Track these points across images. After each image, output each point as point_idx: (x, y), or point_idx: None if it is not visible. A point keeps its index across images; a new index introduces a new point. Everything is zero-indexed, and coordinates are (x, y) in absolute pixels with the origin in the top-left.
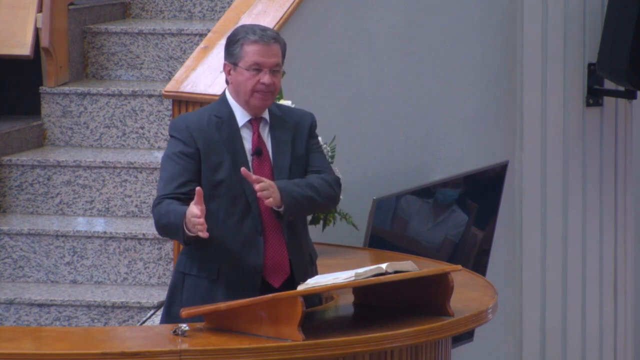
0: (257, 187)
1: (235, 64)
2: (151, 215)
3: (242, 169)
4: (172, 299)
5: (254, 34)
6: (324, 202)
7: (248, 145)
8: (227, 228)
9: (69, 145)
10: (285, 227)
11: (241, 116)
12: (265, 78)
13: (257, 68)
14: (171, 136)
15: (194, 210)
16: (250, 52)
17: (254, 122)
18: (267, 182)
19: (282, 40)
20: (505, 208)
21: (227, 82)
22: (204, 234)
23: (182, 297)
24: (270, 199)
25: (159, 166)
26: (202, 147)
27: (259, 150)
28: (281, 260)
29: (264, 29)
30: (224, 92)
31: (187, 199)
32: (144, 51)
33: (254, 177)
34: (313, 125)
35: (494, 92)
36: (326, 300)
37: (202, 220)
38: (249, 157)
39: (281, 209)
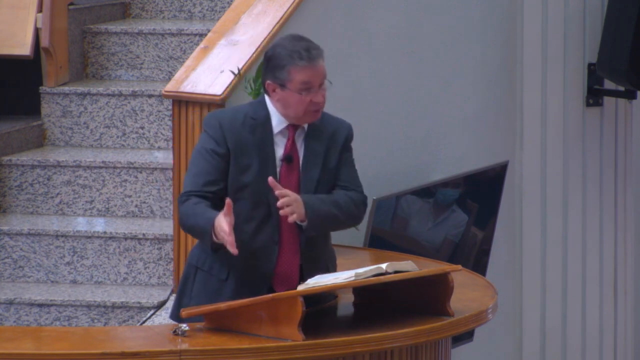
0: (280, 202)
1: (282, 85)
2: (175, 210)
3: (270, 178)
4: (183, 291)
5: (301, 59)
6: (347, 221)
7: (280, 151)
8: (244, 232)
9: (69, 145)
10: (303, 239)
11: (278, 122)
12: (318, 97)
13: (308, 87)
14: (204, 130)
15: (224, 225)
16: (301, 75)
17: (291, 128)
18: (293, 196)
19: (322, 51)
20: (505, 208)
21: (265, 92)
22: (233, 250)
23: (192, 289)
24: (295, 215)
25: (160, 166)
26: (233, 147)
27: (289, 158)
28: (291, 271)
29: (307, 49)
30: (262, 96)
31: (213, 198)
32: (144, 51)
33: (280, 190)
34: (349, 138)
35: (494, 92)
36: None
37: (231, 238)
38: (278, 164)
39: (304, 224)
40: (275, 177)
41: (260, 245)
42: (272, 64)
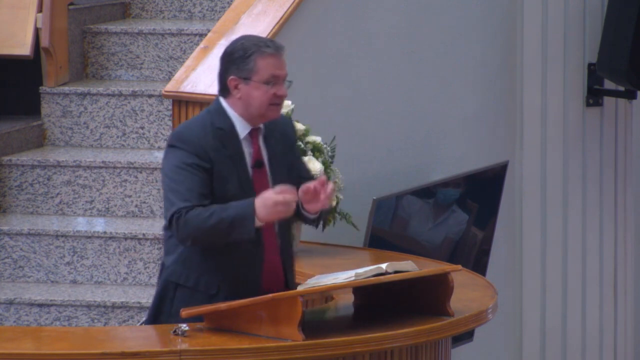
0: (329, 187)
1: (247, 78)
2: (172, 224)
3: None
4: (159, 309)
5: (267, 47)
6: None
7: (248, 157)
8: (230, 246)
9: (69, 145)
10: (279, 235)
11: (242, 128)
12: (282, 90)
13: (274, 81)
14: (176, 147)
15: (271, 193)
16: (267, 65)
17: (254, 132)
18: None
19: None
20: (505, 208)
21: (223, 94)
22: (293, 196)
23: (172, 308)
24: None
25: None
26: (214, 160)
27: (259, 163)
28: (277, 270)
29: (271, 41)
30: (217, 102)
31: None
32: (144, 51)
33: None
34: (294, 130)
35: (494, 92)
36: (326, 300)
37: (290, 194)
38: (250, 170)
39: (317, 214)
40: (250, 183)
41: (246, 251)
42: (235, 57)
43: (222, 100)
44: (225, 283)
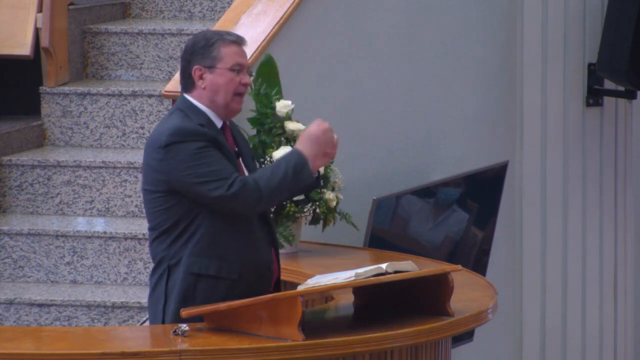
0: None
1: (212, 67)
2: (241, 193)
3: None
4: (184, 304)
5: (230, 36)
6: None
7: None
8: (247, 229)
9: (69, 145)
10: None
11: (216, 121)
12: (246, 78)
13: (239, 69)
14: (183, 142)
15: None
16: (230, 52)
17: (225, 126)
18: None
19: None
20: (505, 208)
21: (187, 89)
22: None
23: (196, 300)
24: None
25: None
26: (218, 144)
27: (238, 153)
28: (273, 261)
29: (232, 32)
30: (184, 100)
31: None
32: (144, 51)
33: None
34: (242, 132)
35: (494, 92)
36: (326, 300)
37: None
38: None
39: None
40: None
41: (260, 236)
42: (198, 47)
43: (188, 97)
44: (245, 267)
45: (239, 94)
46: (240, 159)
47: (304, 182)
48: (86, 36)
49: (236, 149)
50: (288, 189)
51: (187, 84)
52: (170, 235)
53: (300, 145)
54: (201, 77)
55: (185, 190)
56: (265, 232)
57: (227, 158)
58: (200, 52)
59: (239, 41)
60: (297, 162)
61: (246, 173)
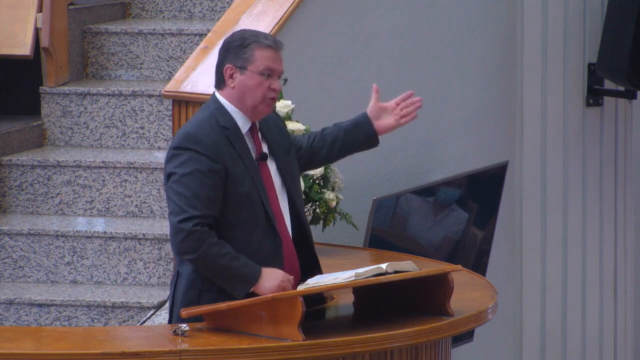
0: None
1: (243, 68)
2: (185, 240)
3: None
4: (186, 319)
5: (266, 39)
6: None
7: (253, 152)
8: (251, 244)
9: (69, 145)
10: (292, 224)
11: (243, 123)
12: (276, 84)
13: (269, 74)
14: (189, 150)
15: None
16: (263, 56)
17: (253, 127)
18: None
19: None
20: (505, 208)
21: (219, 86)
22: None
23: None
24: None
25: (160, 166)
26: (227, 160)
27: (264, 155)
28: (294, 265)
29: (271, 36)
30: (215, 99)
31: (214, 224)
32: (144, 51)
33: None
34: (280, 118)
35: (494, 92)
36: (326, 300)
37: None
38: (257, 164)
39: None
40: (260, 178)
41: (268, 253)
42: (233, 46)
43: (218, 95)
44: None
45: (268, 99)
46: (270, 158)
47: (231, 291)
48: (86, 36)
49: (263, 151)
50: (217, 277)
51: (219, 81)
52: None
53: (265, 271)
54: (231, 77)
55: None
56: (277, 244)
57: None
58: (234, 51)
59: (275, 46)
60: (244, 274)
61: (272, 174)
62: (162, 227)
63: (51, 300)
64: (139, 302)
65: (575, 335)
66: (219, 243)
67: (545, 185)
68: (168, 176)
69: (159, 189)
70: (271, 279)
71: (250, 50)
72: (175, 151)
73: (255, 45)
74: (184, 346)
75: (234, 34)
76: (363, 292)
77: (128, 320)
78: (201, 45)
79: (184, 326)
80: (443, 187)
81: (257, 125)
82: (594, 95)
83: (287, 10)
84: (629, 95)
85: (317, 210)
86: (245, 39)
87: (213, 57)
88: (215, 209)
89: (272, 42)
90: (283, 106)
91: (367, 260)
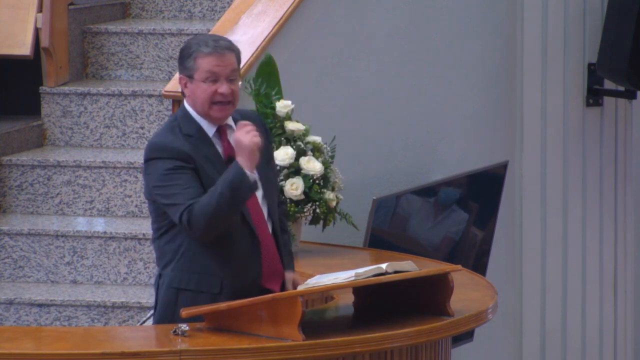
0: (245, 126)
1: (190, 77)
2: (183, 223)
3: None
4: (164, 317)
5: (207, 46)
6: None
7: (222, 155)
8: (227, 244)
9: (69, 145)
10: (268, 219)
11: (208, 127)
12: (223, 87)
13: (214, 79)
14: (156, 159)
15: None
16: (204, 63)
17: (222, 130)
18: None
19: (237, 49)
20: (505, 208)
21: (183, 94)
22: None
23: (175, 314)
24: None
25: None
26: (196, 161)
27: (231, 159)
28: (276, 266)
29: (216, 39)
30: (182, 107)
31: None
32: (144, 51)
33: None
34: (265, 123)
35: (494, 92)
36: (326, 300)
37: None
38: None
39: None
40: None
41: (245, 250)
42: (181, 56)
43: (185, 102)
44: (228, 280)
45: (217, 103)
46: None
47: (247, 193)
48: (86, 36)
49: (230, 154)
50: (230, 208)
51: (181, 90)
52: (158, 241)
53: (240, 161)
54: (185, 86)
55: (161, 207)
56: (255, 244)
57: (206, 174)
58: (181, 61)
59: (217, 50)
60: (231, 179)
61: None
62: (152, 238)
63: (51, 300)
64: (139, 302)
65: (575, 335)
66: (197, 201)
67: (545, 185)
68: (153, 187)
69: None
70: (239, 153)
71: (193, 60)
72: (145, 164)
73: (196, 54)
74: (184, 346)
75: (186, 41)
76: (363, 292)
77: (128, 320)
78: None
79: (184, 326)
80: (443, 187)
81: (231, 128)
82: (594, 95)
83: (287, 10)
84: (629, 95)
85: (317, 210)
86: (189, 48)
87: None
88: (197, 193)
89: (212, 48)
90: (283, 106)
91: (367, 260)
